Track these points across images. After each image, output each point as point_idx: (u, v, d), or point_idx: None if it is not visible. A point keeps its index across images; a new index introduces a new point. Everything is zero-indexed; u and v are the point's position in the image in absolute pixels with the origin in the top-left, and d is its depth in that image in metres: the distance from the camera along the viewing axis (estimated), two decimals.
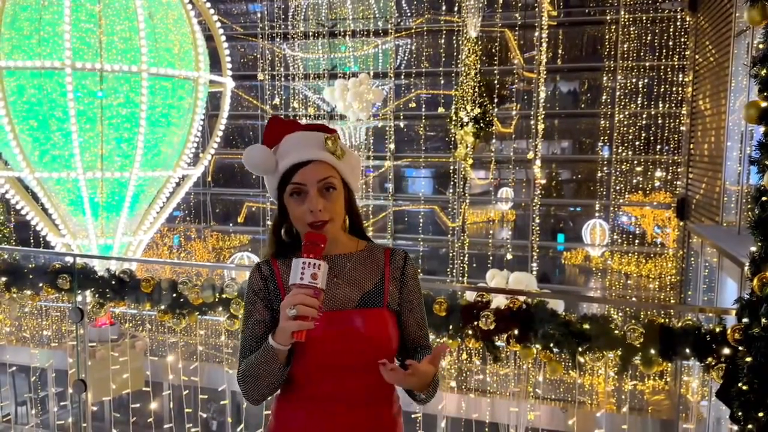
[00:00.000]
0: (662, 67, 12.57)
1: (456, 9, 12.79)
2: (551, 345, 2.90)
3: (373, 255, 1.68)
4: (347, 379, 1.56)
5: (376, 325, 1.58)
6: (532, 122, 12.57)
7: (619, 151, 13.08)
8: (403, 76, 14.45)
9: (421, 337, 1.72)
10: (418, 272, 1.75)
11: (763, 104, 2.31)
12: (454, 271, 13.36)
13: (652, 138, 12.92)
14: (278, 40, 15.00)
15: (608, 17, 12.98)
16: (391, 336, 1.60)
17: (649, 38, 12.61)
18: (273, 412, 1.68)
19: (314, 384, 1.57)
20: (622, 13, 12.63)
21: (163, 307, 3.53)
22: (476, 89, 11.31)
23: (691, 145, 9.73)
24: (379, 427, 1.62)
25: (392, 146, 14.75)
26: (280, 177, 1.58)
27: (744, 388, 2.29)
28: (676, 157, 12.49)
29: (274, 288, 1.61)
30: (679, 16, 12.11)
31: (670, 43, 12.43)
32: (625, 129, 13.04)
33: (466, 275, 12.99)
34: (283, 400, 1.66)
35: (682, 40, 12.15)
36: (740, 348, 2.42)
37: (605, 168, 13.32)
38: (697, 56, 9.56)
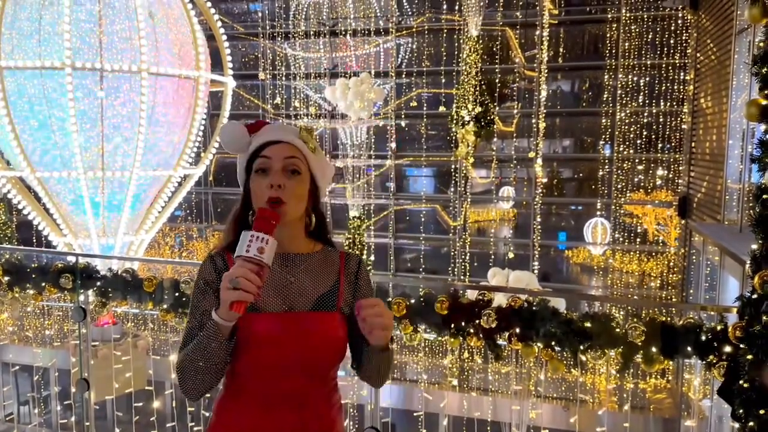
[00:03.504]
0: (663, 65, 12.56)
1: (457, 8, 12.78)
2: (553, 343, 2.91)
3: (329, 257, 1.68)
4: (295, 380, 1.55)
5: (330, 329, 1.57)
6: (534, 121, 12.56)
7: (621, 149, 13.07)
8: (404, 75, 14.45)
9: None
10: (371, 277, 1.76)
11: (764, 102, 2.30)
12: (456, 269, 13.36)
13: (653, 136, 12.92)
14: (279, 39, 15.00)
15: (609, 15, 12.98)
16: (343, 340, 1.60)
17: (650, 36, 12.60)
18: (215, 410, 1.65)
19: (260, 383, 1.56)
20: (624, 11, 12.61)
21: (165, 306, 3.54)
22: (477, 88, 11.31)
23: (693, 144, 9.71)
24: (321, 427, 1.60)
25: (393, 145, 14.76)
26: (249, 155, 1.61)
27: (745, 385, 2.29)
28: (677, 156, 12.48)
29: None
30: (680, 15, 12.09)
31: (672, 41, 12.41)
32: (626, 127, 13.03)
33: (467, 274, 12.99)
34: (226, 398, 1.63)
35: (684, 38, 12.13)
36: (742, 346, 2.42)
37: (606, 166, 13.32)
38: (698, 54, 9.54)
